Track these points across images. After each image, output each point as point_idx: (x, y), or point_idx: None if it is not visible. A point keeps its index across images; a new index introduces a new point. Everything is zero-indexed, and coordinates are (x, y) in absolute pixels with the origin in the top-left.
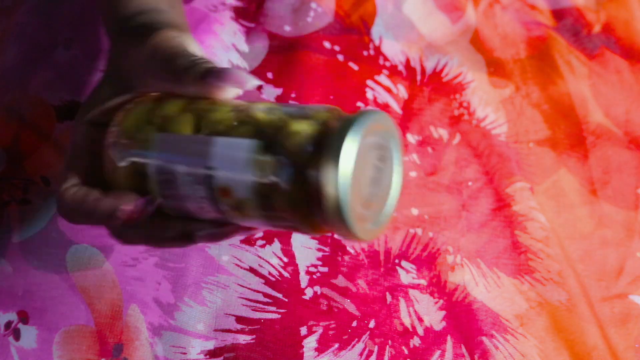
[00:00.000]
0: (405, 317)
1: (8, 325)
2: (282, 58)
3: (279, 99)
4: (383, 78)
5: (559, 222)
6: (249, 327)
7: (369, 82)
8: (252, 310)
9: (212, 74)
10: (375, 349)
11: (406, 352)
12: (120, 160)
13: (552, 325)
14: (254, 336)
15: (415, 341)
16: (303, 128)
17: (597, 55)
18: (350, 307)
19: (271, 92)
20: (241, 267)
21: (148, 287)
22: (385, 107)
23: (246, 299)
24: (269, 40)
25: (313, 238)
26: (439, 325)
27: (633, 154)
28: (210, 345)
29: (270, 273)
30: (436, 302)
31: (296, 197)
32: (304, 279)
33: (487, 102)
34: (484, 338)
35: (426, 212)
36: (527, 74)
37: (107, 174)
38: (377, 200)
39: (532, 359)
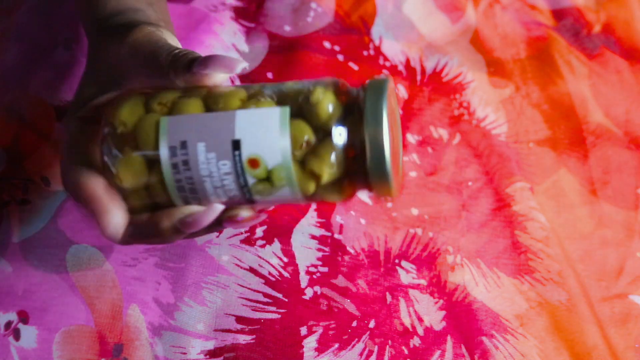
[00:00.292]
0: (405, 317)
1: (8, 325)
2: (282, 58)
3: None
4: None
5: (559, 222)
6: (249, 327)
7: None
8: (252, 310)
9: (198, 64)
10: (375, 349)
11: (406, 352)
12: (122, 152)
13: (552, 325)
14: (254, 336)
15: (415, 341)
16: (327, 93)
17: (597, 55)
18: (350, 307)
19: None
20: (241, 267)
21: (148, 287)
22: None
23: (246, 299)
24: (269, 40)
25: (313, 238)
26: (439, 325)
27: (633, 154)
28: (210, 345)
29: (270, 273)
30: (436, 302)
31: (332, 156)
32: (304, 279)
33: (487, 102)
34: (484, 338)
35: (426, 212)
36: (527, 74)
37: (105, 168)
38: (397, 155)
39: (532, 359)
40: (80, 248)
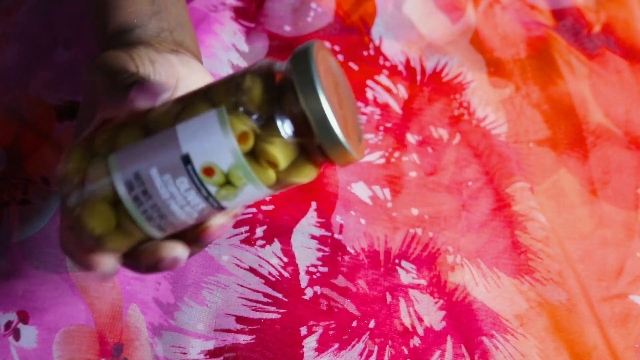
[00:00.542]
0: (405, 317)
1: (8, 325)
2: (282, 58)
3: None
4: (383, 78)
5: (559, 222)
6: (249, 327)
7: (369, 82)
8: (252, 310)
9: (129, 94)
10: (375, 349)
11: (406, 352)
12: (84, 202)
13: (552, 325)
14: (254, 336)
15: (415, 341)
16: (256, 78)
17: (597, 55)
18: (350, 307)
19: None
20: (241, 267)
21: (148, 287)
22: (385, 107)
23: (246, 299)
24: (269, 40)
25: (313, 238)
26: (439, 325)
27: (633, 154)
28: (210, 345)
29: (270, 273)
30: (436, 302)
31: (280, 139)
32: (304, 279)
33: (487, 102)
34: (484, 338)
35: (426, 212)
36: (527, 74)
37: (75, 221)
38: (350, 118)
39: (532, 359)
40: None
